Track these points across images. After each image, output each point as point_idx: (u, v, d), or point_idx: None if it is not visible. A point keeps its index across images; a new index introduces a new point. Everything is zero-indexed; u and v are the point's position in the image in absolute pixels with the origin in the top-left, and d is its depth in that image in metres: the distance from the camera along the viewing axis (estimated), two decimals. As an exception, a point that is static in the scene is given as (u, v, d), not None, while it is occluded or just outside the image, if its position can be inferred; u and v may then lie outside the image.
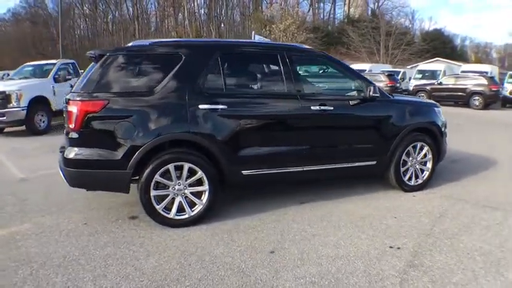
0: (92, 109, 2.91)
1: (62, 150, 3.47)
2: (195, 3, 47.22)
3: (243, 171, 3.28)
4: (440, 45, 37.33)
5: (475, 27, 75.52)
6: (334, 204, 3.68)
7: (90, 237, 2.99)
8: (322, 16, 47.88)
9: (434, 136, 4.01)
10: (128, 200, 3.77)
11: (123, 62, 3.07)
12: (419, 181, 4.02)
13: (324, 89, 3.88)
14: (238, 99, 3.23)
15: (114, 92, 2.99)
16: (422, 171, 4.04)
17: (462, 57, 41.90)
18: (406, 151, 3.87)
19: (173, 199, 3.14)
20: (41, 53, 28.87)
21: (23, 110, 7.48)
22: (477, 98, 13.89)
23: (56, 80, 8.34)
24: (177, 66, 3.12)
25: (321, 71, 4.28)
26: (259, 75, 3.56)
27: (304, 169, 3.47)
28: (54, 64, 8.67)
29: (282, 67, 3.40)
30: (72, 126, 2.97)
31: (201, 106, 3.08)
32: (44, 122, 7.95)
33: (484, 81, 14.04)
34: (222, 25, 50.10)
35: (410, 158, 3.95)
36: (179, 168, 3.10)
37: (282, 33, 31.79)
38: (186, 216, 3.16)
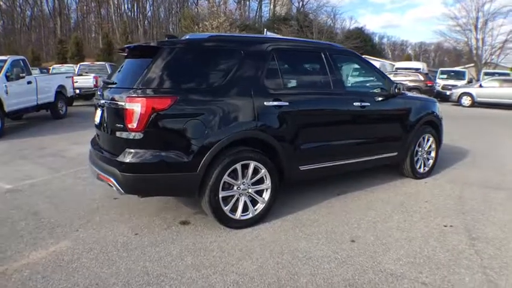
0: (160, 106, 2.64)
1: (99, 149, 3.12)
2: (120, -1, 44.33)
3: (300, 167, 3.33)
4: (362, 43, 40.83)
5: (391, 26, 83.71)
6: (367, 194, 3.95)
7: (156, 249, 2.72)
8: (248, 14, 48.85)
9: (438, 128, 4.57)
10: (161, 205, 3.53)
11: (184, 55, 2.85)
12: (426, 169, 4.54)
13: (357, 86, 4.13)
14: (296, 96, 3.26)
15: (180, 88, 2.76)
16: (428, 159, 4.57)
17: (381, 54, 46.30)
18: (418, 142, 4.35)
19: (237, 199, 3.05)
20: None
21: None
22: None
23: (8, 78, 7.06)
24: (239, 62, 3.01)
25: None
26: (308, 72, 3.64)
27: (349, 162, 3.67)
28: (4, 61, 7.30)
29: (326, 64, 3.52)
30: (132, 125, 2.65)
31: (266, 103, 3.04)
32: (-3, 124, 6.69)
33: (421, 78, 16.00)
34: (146, 22, 47.96)
35: (420, 149, 4.44)
36: (243, 167, 3.02)
37: (215, 30, 31.73)
38: (250, 215, 3.08)
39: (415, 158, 4.37)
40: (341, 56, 3.74)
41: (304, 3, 46.38)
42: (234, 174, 2.98)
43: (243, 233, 2.98)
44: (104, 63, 15.28)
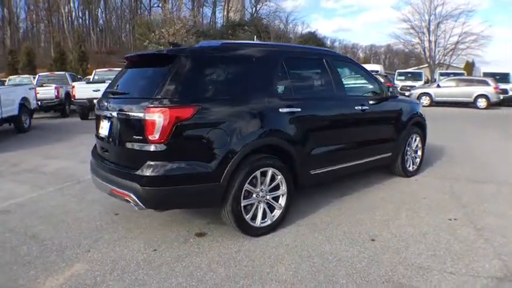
0: (183, 116, 2.56)
1: (108, 163, 2.96)
2: (71, 5, 42.21)
3: (311, 171, 3.39)
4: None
5: (342, 30, 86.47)
6: (366, 194, 4.10)
7: (182, 263, 2.61)
8: (202, 20, 48.62)
9: (423, 128, 4.88)
10: (168, 218, 3.39)
11: (202, 63, 2.80)
12: (415, 167, 4.82)
13: (355, 90, 4.27)
14: (306, 102, 3.32)
15: (201, 97, 2.70)
16: (415, 158, 4.85)
17: (333, 57, 47.84)
18: (408, 142, 4.61)
19: (256, 207, 3.03)
20: None
21: None
22: None
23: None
24: (252, 70, 3.02)
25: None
26: (314, 78, 3.71)
27: (352, 164, 3.79)
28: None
29: (329, 70, 3.64)
30: (154, 137, 2.54)
31: (281, 109, 3.07)
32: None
33: (381, 80, 16.76)
34: (99, 29, 46.17)
35: (409, 148, 4.70)
36: (261, 174, 3.01)
37: (172, 37, 31.39)
38: (269, 222, 3.07)
39: (405, 158, 4.63)
40: (339, 62, 3.89)
41: (258, 9, 47.27)
42: (252, 182, 2.96)
43: (264, 240, 2.96)
44: (63, 72, 14.46)
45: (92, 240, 3.01)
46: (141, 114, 2.60)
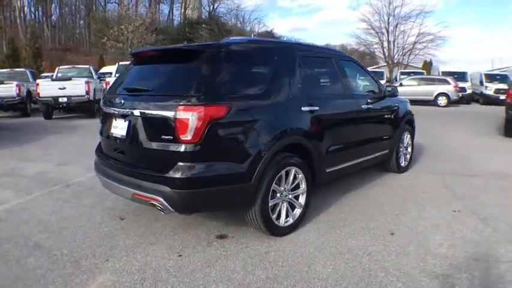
0: (217, 115, 2.46)
1: (124, 165, 2.78)
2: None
3: (326, 169, 3.42)
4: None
5: (298, 30, 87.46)
6: (368, 190, 4.22)
7: (216, 268, 2.51)
8: (159, 17, 47.17)
9: (412, 125, 5.13)
10: (179, 221, 3.25)
11: (231, 60, 2.71)
12: (406, 163, 5.06)
13: (359, 89, 4.38)
14: (323, 101, 3.35)
15: (231, 95, 2.61)
16: (406, 155, 5.09)
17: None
18: (401, 139, 4.82)
19: (280, 206, 2.99)
20: None
21: None
22: None
23: None
24: (276, 67, 2.99)
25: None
26: (326, 77, 3.75)
27: (358, 161, 3.89)
28: None
29: (338, 70, 3.71)
30: (186, 137, 2.41)
31: (303, 108, 3.07)
32: None
33: None
34: (52, 26, 43.16)
35: (401, 145, 4.92)
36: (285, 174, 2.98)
37: (131, 34, 30.33)
38: (291, 221, 3.06)
39: (399, 154, 4.83)
40: (344, 61, 3.97)
41: (215, 7, 46.85)
42: (277, 181, 2.93)
43: (289, 240, 2.95)
44: (23, 69, 13.38)
45: (106, 249, 2.80)
46: (170, 113, 2.46)
